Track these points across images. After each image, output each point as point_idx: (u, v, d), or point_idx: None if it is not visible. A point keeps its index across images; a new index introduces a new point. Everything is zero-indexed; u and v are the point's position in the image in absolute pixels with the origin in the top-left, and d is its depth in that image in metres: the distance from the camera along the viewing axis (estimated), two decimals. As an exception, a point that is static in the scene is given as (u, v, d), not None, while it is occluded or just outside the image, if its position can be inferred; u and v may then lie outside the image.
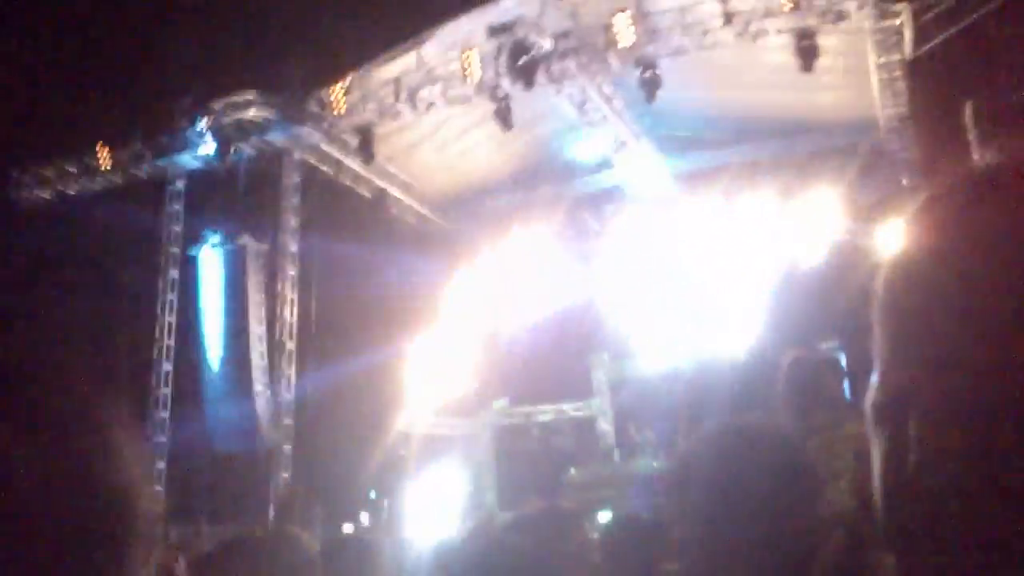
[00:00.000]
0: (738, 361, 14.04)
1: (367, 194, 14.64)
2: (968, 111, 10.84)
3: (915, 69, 11.88)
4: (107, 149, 13.17)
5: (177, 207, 13.63)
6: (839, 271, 13.60)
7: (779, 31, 11.49)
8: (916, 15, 11.27)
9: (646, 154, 14.31)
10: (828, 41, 11.71)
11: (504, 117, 11.96)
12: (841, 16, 11.27)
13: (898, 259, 0.61)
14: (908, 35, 11.58)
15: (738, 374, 13.72)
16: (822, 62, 11.73)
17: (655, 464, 12.71)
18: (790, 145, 13.74)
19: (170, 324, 13.50)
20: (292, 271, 13.64)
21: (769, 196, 14.13)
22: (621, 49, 11.39)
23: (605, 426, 14.85)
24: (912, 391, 0.56)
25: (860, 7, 11.22)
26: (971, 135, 10.96)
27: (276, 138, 13.03)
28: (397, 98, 12.49)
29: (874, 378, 0.61)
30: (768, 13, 11.35)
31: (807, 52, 11.28)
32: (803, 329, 13.51)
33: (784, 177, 13.83)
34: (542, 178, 14.85)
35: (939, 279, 0.57)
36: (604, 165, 14.49)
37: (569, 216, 14.88)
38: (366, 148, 12.82)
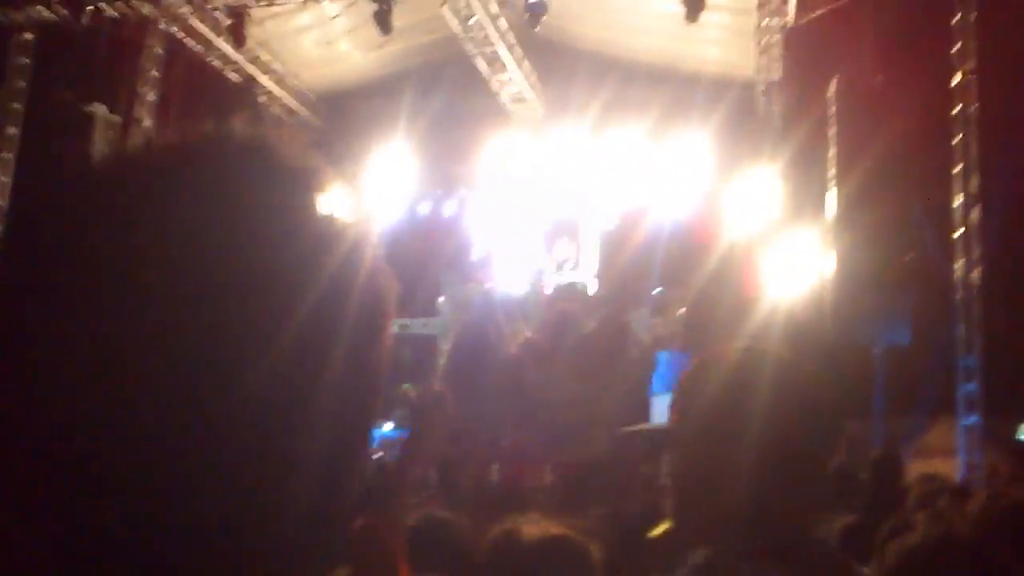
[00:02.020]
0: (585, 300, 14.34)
1: (235, 78, 14.05)
2: (832, 86, 11.22)
3: (794, 37, 12.13)
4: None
5: (23, 60, 12.71)
6: (694, 225, 13.98)
7: (669, -24, 11.52)
8: (802, -16, 11.48)
9: (524, 79, 14.21)
10: (717, -3, 11.83)
11: (383, 20, 11.63)
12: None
13: None
14: (792, 3, 11.79)
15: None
16: (709, 17, 11.85)
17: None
18: (663, 90, 13.86)
19: (5, 184, 12.72)
20: (144, 147, 13.01)
21: (636, 137, 14.30)
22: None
23: (445, 346, 14.89)
24: None
25: (751, -34, 11.34)
26: (831, 109, 11.39)
27: (141, 4, 12.28)
28: (275, -18, 11.96)
29: None
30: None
31: (694, 2, 11.35)
32: (653, 279, 13.89)
33: (652, 121, 13.99)
34: (416, 89, 14.54)
35: None
36: (479, 85, 14.28)
37: (438, 131, 14.66)
38: (237, 31, 12.26)
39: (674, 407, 1.67)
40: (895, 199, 12.42)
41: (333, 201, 0.69)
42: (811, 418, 1.54)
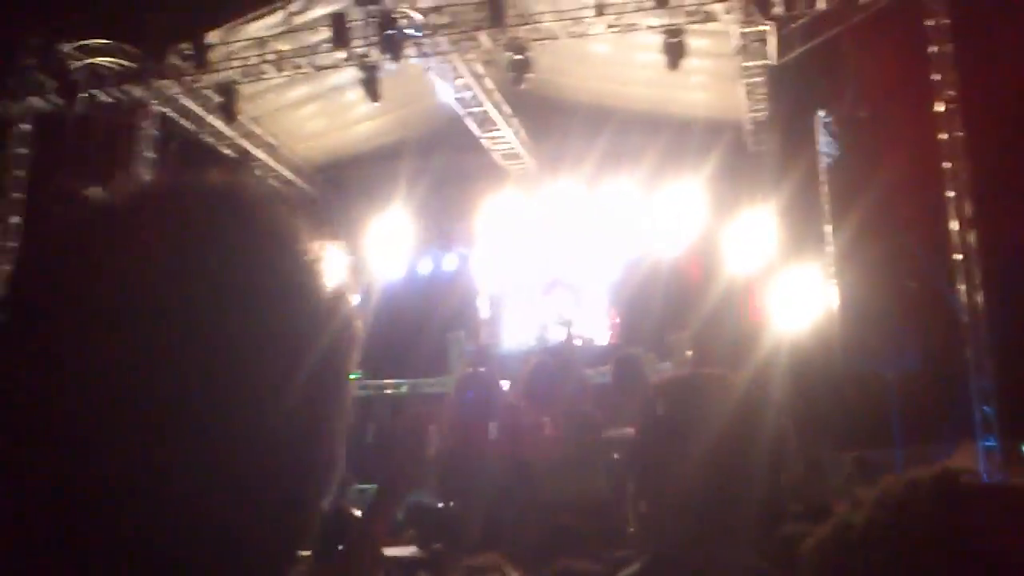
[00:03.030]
0: (594, 352, 14.31)
1: (230, 153, 14.25)
2: (817, 121, 11.31)
3: (776, 76, 12.26)
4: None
5: (22, 151, 12.92)
6: (692, 267, 13.99)
7: (649, 27, 11.68)
8: (779, 24, 11.61)
9: (514, 136, 14.37)
10: (698, 43, 11.97)
11: (371, 88, 11.80)
12: (709, 17, 11.52)
13: None
14: (772, 43, 11.92)
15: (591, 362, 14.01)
16: (691, 63, 11.99)
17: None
18: (655, 138, 13.96)
19: (8, 274, 12.80)
20: (144, 228, 13.13)
21: (631, 186, 14.39)
22: (492, 30, 11.38)
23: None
24: None
25: (728, 11, 11.49)
26: (819, 144, 11.47)
27: (133, 89, 12.51)
28: (262, 58, 12.16)
29: None
30: (640, 8, 11.50)
31: (674, 49, 11.49)
32: (656, 323, 13.87)
33: (646, 169, 14.08)
34: (413, 153, 14.71)
35: None
36: (472, 144, 14.44)
37: (435, 193, 14.79)
38: (228, 106, 12.45)
39: (637, 423, 1.80)
40: (893, 229, 12.43)
41: (312, 257, 0.73)
42: (752, 436, 1.60)
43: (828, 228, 12.24)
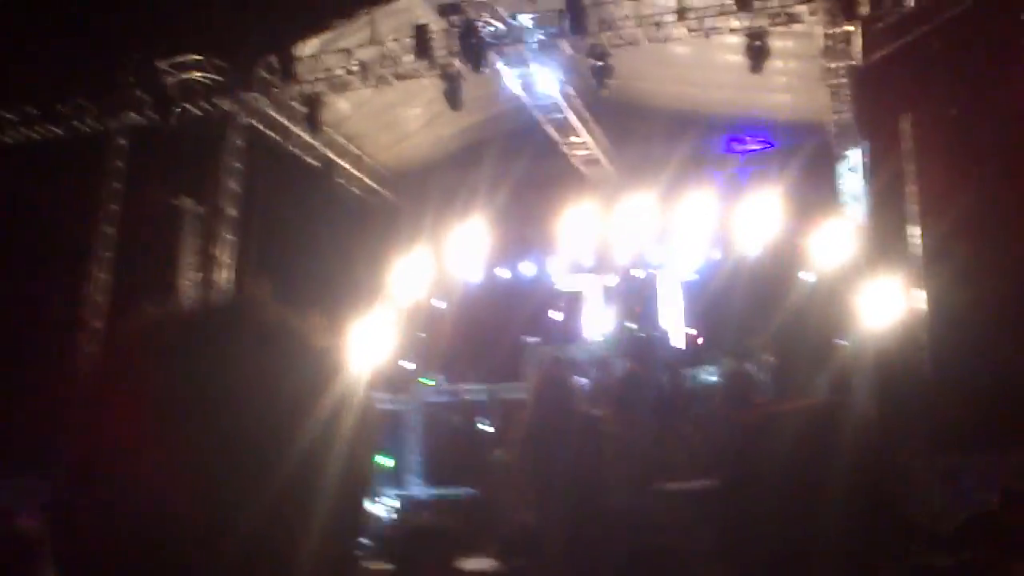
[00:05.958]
0: (676, 359, 14.20)
1: (314, 163, 14.54)
2: (905, 123, 11.10)
3: (862, 78, 12.04)
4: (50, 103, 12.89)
5: (118, 164, 13.38)
6: (774, 271, 13.83)
7: (732, 30, 11.60)
8: (865, 25, 11.42)
9: (594, 142, 14.36)
10: (782, 44, 11.84)
11: (453, 96, 11.93)
12: (792, 19, 11.40)
13: None
14: (857, 43, 11.73)
15: (671, 373, 13.93)
16: (774, 64, 11.86)
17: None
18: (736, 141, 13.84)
19: (104, 281, 13.30)
20: (229, 236, 13.48)
21: (712, 191, 14.26)
22: (574, 37, 11.42)
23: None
24: None
25: (812, 12, 11.36)
26: (905, 145, 11.25)
27: (222, 102, 12.87)
28: (348, 70, 12.39)
29: None
30: (722, 11, 11.44)
31: (757, 53, 11.39)
32: (735, 328, 13.73)
33: (728, 172, 13.97)
34: (492, 159, 14.82)
35: None
36: (552, 150, 14.48)
37: (514, 198, 14.86)
38: (313, 117, 12.71)
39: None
40: (986, 232, 12.12)
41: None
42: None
43: (915, 231, 11.98)
